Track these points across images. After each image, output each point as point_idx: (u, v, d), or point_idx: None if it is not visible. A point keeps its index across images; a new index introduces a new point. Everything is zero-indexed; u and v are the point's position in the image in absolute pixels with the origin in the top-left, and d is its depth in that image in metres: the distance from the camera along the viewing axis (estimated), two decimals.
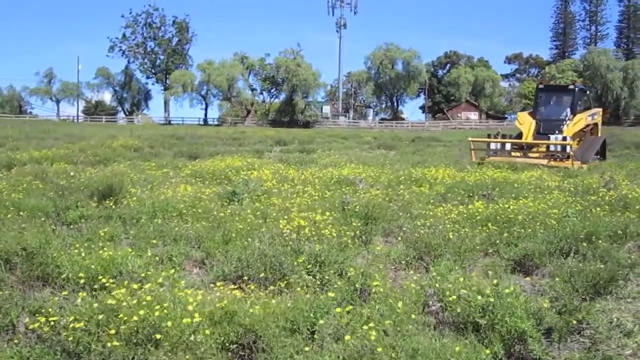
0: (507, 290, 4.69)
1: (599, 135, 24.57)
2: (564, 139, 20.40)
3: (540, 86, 24.47)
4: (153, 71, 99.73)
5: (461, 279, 5.06)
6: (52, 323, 4.17)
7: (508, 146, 21.62)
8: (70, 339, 3.99)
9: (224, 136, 38.86)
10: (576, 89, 22.55)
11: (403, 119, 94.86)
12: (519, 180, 11.96)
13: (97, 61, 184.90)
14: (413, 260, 6.64)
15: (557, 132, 21.50)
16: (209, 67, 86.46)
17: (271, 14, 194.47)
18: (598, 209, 8.60)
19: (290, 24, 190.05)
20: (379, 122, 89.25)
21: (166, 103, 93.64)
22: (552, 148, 20.46)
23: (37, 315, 4.46)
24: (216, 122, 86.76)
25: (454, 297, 4.69)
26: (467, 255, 6.62)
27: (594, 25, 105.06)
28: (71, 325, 4.04)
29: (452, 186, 11.34)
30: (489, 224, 7.78)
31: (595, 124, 24.28)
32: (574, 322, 4.66)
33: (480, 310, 4.54)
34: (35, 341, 4.29)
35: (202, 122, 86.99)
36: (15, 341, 4.34)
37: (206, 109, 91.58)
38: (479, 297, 4.62)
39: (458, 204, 9.43)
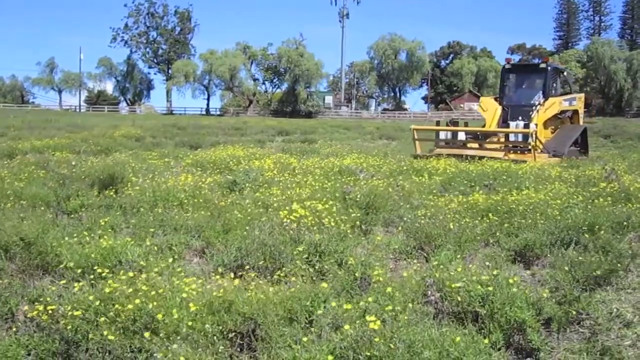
0: (510, 280, 4.68)
1: (581, 124, 21.18)
2: (526, 126, 17.33)
3: (507, 66, 20.49)
4: (155, 61, 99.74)
5: (460, 269, 5.05)
6: (50, 311, 4.17)
7: (462, 135, 18.39)
8: (69, 327, 3.99)
9: (225, 126, 38.80)
10: (549, 68, 19.26)
11: (405, 110, 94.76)
12: (521, 171, 11.91)
13: (99, 51, 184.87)
14: (413, 250, 6.62)
15: (520, 118, 18.47)
16: (211, 56, 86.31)
17: (273, 3, 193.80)
18: (600, 199, 8.56)
19: (292, 13, 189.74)
20: (382, 113, 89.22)
21: (168, 93, 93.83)
22: (512, 138, 17.55)
23: (36, 303, 4.47)
24: (218, 112, 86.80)
25: (455, 285, 4.68)
26: (467, 245, 6.59)
27: (598, 15, 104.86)
28: (69, 314, 4.04)
29: (453, 176, 11.31)
30: (490, 215, 7.75)
31: (576, 111, 20.90)
32: (574, 312, 4.65)
33: (480, 300, 4.52)
34: (34, 329, 4.30)
35: (204, 112, 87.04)
36: (14, 329, 4.35)
37: (208, 99, 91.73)
38: (479, 287, 4.61)
39: (459, 194, 9.40)
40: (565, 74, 21.95)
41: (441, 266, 5.36)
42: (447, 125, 19.60)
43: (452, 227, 6.91)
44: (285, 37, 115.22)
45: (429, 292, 4.78)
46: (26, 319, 4.49)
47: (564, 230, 6.88)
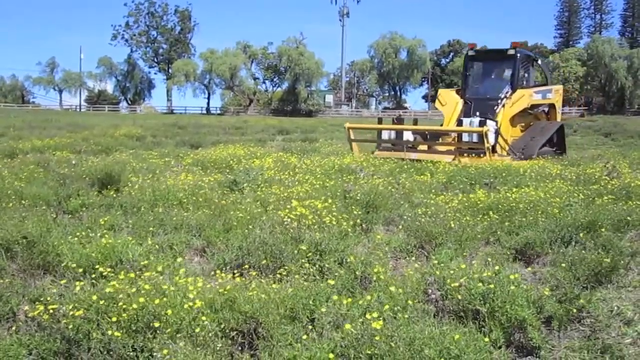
0: (512, 277, 4.68)
1: (558, 120, 18.44)
2: (482, 123, 14.52)
3: (470, 52, 17.89)
4: (156, 60, 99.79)
5: (463, 266, 5.05)
6: (51, 311, 4.17)
7: (408, 135, 15.73)
8: (70, 326, 3.99)
9: (226, 125, 38.81)
10: (518, 54, 16.62)
11: (406, 108, 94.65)
12: (522, 169, 11.90)
13: (99, 51, 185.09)
14: (414, 249, 6.62)
15: (477, 114, 15.81)
16: (212, 56, 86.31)
17: (273, 3, 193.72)
18: (603, 197, 8.55)
19: (292, 13, 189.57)
20: (382, 111, 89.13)
21: (169, 92, 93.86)
22: (465, 138, 14.71)
23: (37, 303, 4.47)
24: (219, 112, 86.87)
25: (456, 283, 4.68)
26: (468, 243, 6.60)
27: (599, 13, 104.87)
28: (71, 313, 4.04)
29: (453, 175, 11.30)
30: (491, 213, 7.75)
31: (552, 105, 18.21)
32: (574, 310, 4.65)
33: (481, 298, 4.52)
34: (35, 329, 4.30)
35: (204, 112, 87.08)
36: (15, 329, 4.35)
37: (209, 98, 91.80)
38: (480, 285, 4.61)
39: (459, 193, 9.41)
40: (539, 62, 19.31)
41: (442, 264, 5.37)
42: (393, 122, 17.06)
43: (452, 225, 6.92)
44: (286, 36, 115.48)
45: (430, 291, 4.78)
46: (27, 318, 4.49)
47: (565, 228, 6.88)
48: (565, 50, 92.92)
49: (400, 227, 7.44)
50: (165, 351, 3.66)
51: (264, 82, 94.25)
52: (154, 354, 3.72)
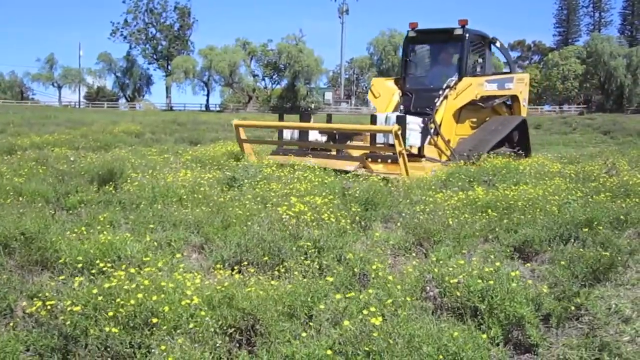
0: (512, 273, 4.70)
1: (523, 114, 15.11)
2: (399, 120, 11.03)
3: (411, 34, 14.55)
4: (155, 57, 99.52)
5: (462, 262, 5.05)
6: (49, 307, 4.16)
7: (316, 136, 12.60)
8: (68, 323, 3.98)
9: (225, 122, 38.69)
10: (466, 35, 13.47)
11: None
12: (521, 167, 11.88)
13: (98, 48, 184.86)
14: (412, 246, 6.63)
15: (400, 110, 13.17)
16: (211, 52, 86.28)
17: None
18: (601, 195, 8.55)
19: (292, 10, 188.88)
20: None
21: (168, 89, 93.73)
22: (380, 139, 11.52)
23: (34, 299, 4.46)
24: (218, 109, 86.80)
25: (454, 280, 4.68)
26: (466, 241, 6.59)
27: (598, 11, 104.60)
28: (68, 309, 4.03)
29: (452, 172, 11.28)
30: (489, 210, 7.74)
31: (515, 97, 15.04)
32: (573, 308, 4.66)
33: (480, 295, 4.52)
34: (32, 325, 4.29)
35: (204, 109, 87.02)
36: (13, 325, 4.34)
37: (208, 95, 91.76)
38: (479, 282, 4.61)
39: (458, 190, 9.39)
40: (498, 45, 15.20)
41: (440, 262, 5.37)
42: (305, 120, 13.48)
43: (451, 222, 6.91)
44: (285, 33, 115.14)
45: (428, 288, 4.78)
46: (25, 314, 4.49)
47: (563, 225, 6.87)
48: (564, 48, 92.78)
49: (399, 224, 7.43)
50: (163, 347, 3.66)
51: (263, 79, 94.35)
52: (152, 350, 3.72)
